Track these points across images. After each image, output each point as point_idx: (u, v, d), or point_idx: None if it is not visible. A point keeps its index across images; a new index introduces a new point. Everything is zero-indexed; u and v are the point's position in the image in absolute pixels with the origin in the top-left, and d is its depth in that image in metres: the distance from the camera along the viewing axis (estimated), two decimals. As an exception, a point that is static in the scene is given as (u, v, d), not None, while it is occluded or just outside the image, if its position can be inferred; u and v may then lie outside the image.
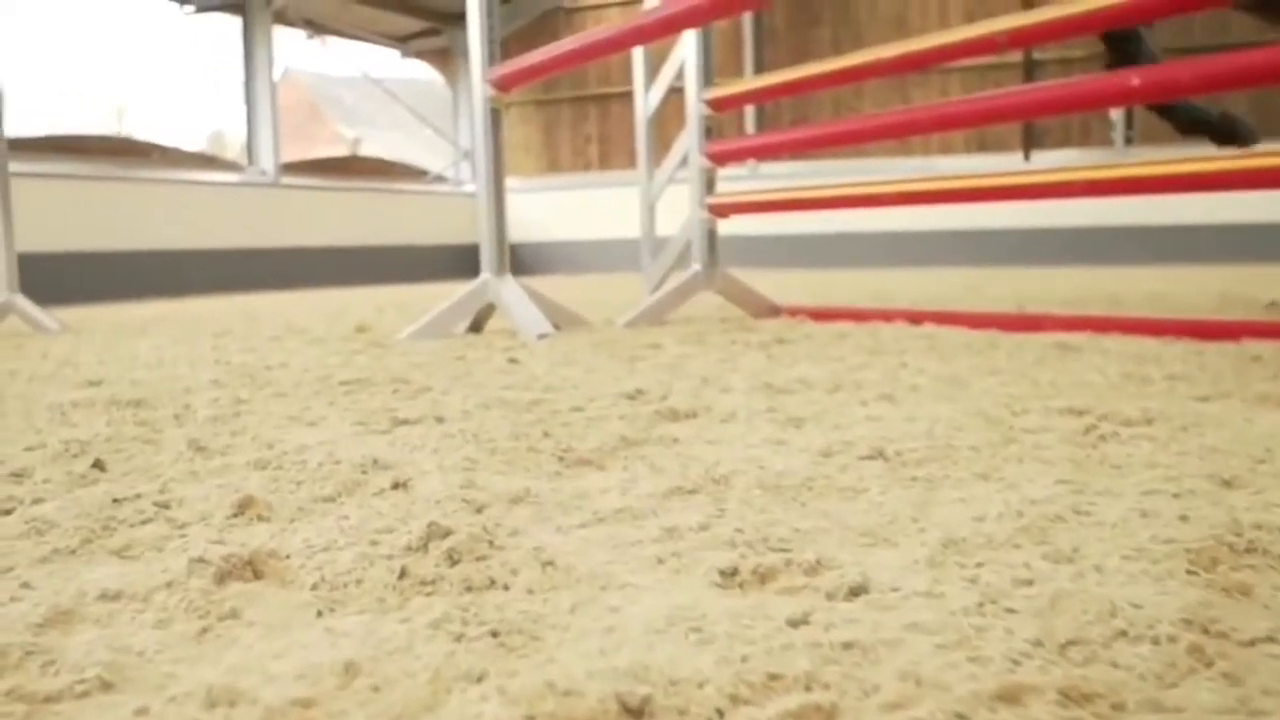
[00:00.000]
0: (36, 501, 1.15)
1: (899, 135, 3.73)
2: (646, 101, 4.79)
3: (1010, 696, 0.59)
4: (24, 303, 4.33)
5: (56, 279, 6.74)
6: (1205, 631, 0.68)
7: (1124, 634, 0.68)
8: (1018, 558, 0.86)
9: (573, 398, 1.85)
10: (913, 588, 0.79)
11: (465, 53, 3.74)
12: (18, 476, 1.30)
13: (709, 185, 3.78)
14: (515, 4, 10.99)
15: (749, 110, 10.01)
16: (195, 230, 8.72)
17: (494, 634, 0.71)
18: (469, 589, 0.83)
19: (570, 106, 11.55)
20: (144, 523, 1.06)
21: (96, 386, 2.22)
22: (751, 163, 9.59)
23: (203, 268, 8.66)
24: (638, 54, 4.83)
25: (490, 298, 3.33)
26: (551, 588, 0.82)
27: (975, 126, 7.67)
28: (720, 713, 0.59)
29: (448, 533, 0.93)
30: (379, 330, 3.60)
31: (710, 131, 3.78)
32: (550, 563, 0.87)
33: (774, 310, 3.62)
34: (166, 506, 1.11)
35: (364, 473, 1.24)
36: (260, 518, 1.07)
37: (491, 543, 0.92)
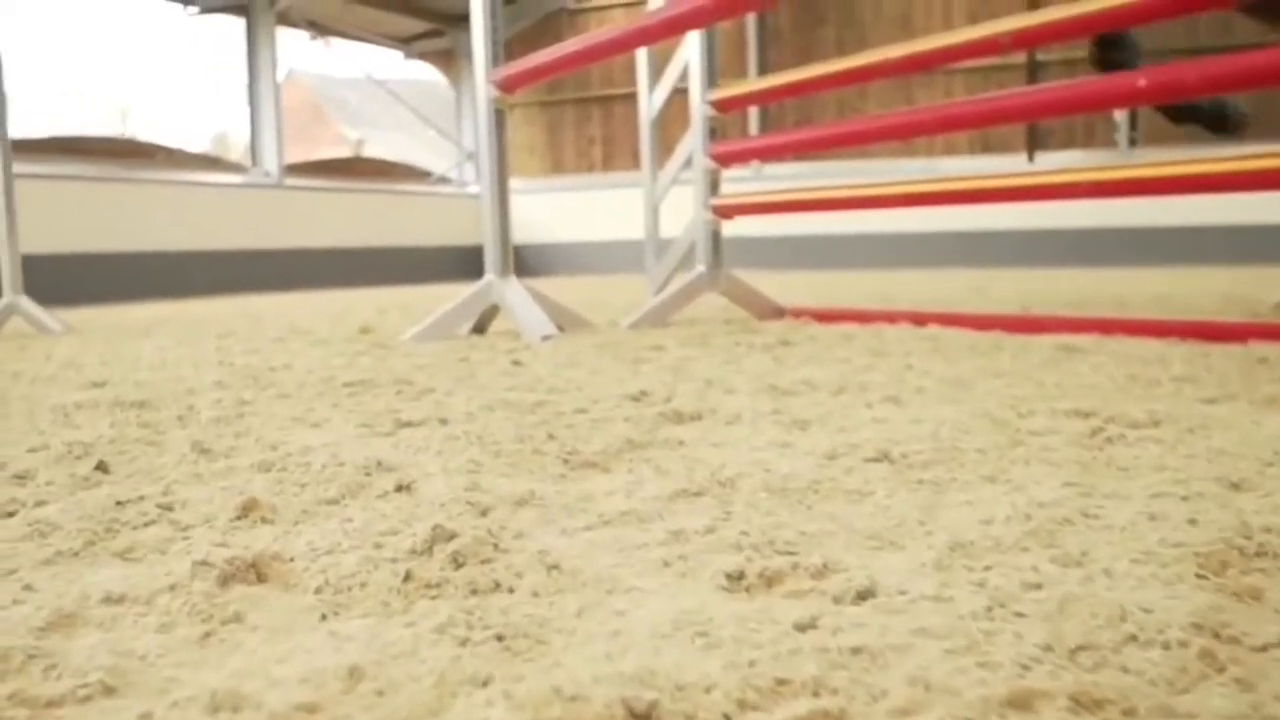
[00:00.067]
0: (39, 504, 1.15)
1: (903, 136, 3.72)
2: (650, 102, 4.78)
3: (1020, 702, 0.59)
4: (28, 304, 4.33)
5: (60, 280, 6.75)
6: (1216, 636, 0.68)
7: (1134, 639, 0.67)
8: (1026, 561, 0.85)
9: (577, 400, 1.84)
10: (920, 591, 0.78)
11: (469, 54, 3.74)
12: (21, 478, 1.30)
13: (713, 186, 3.77)
14: (519, 5, 10.99)
15: (753, 111, 10.01)
16: (199, 231, 8.73)
17: (499, 638, 0.71)
18: (474, 592, 0.82)
19: (574, 108, 11.55)
20: (147, 525, 1.05)
21: (100, 388, 2.22)
22: (755, 164, 9.59)
23: (206, 269, 8.67)
24: (641, 55, 4.83)
25: (494, 299, 3.33)
26: (557, 591, 0.82)
27: (979, 128, 7.67)
28: (727, 718, 0.59)
29: (452, 535, 0.93)
30: (383, 332, 3.59)
31: (714, 133, 3.78)
32: (555, 566, 0.86)
33: (778, 312, 3.61)
34: (170, 509, 1.11)
35: (368, 475, 1.24)
36: (264, 520, 1.06)
37: (496, 546, 0.92)
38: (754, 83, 4.90)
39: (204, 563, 0.87)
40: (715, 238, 3.72)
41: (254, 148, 9.74)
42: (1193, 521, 0.94)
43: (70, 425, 1.72)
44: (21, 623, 0.76)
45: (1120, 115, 8.95)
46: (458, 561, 0.88)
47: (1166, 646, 0.66)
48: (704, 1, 2.94)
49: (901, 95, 9.50)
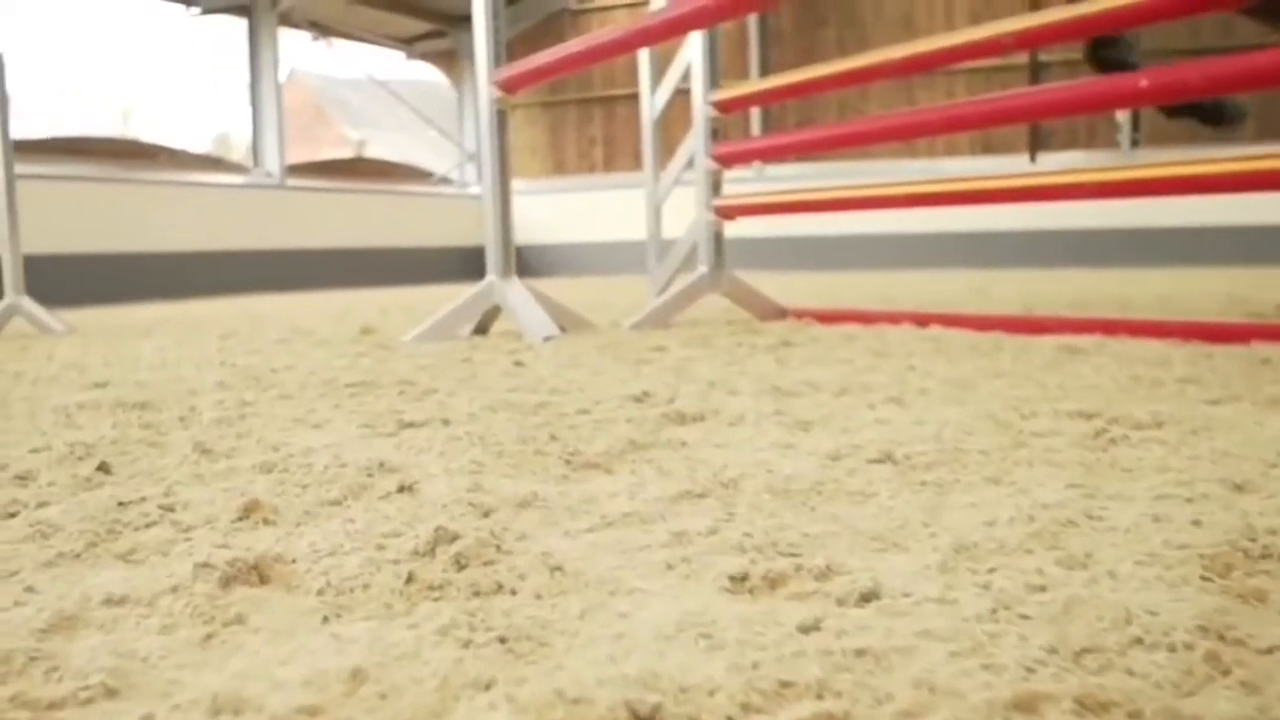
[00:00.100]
0: (41, 505, 1.15)
1: (905, 137, 3.72)
2: (652, 103, 4.78)
3: (1026, 705, 0.59)
4: (30, 304, 4.34)
5: (62, 281, 6.75)
6: (1222, 639, 0.68)
7: (1139, 641, 0.67)
8: (1030, 563, 0.85)
9: (579, 400, 1.84)
10: (924, 594, 0.78)
11: (471, 54, 3.73)
12: (22, 479, 1.30)
13: (715, 187, 3.77)
14: (521, 6, 10.99)
15: (754, 112, 10.01)
16: (200, 232, 8.74)
17: (502, 640, 0.71)
18: (476, 594, 0.82)
19: (576, 108, 11.55)
20: (149, 526, 1.05)
21: (102, 389, 2.21)
22: (756, 165, 9.59)
23: (208, 270, 8.67)
24: (643, 56, 4.82)
25: (496, 300, 3.32)
26: (560, 593, 0.82)
27: (981, 128, 7.66)
28: (731, 721, 0.59)
29: (455, 537, 0.92)
30: (384, 332, 3.59)
31: (716, 133, 3.77)
32: (558, 568, 0.86)
33: (780, 313, 3.61)
34: (171, 510, 1.11)
35: (370, 476, 1.24)
36: (266, 521, 1.06)
37: (499, 547, 0.92)
38: (756, 83, 4.90)
39: (206, 564, 0.87)
40: (717, 239, 3.72)
41: (256, 148, 9.74)
42: (1197, 523, 0.94)
43: (72, 426, 1.72)
44: (23, 624, 0.76)
45: (1122, 116, 8.94)
46: (460, 563, 0.88)
47: (1172, 649, 0.66)
48: (706, 2, 2.93)
49: (903, 96, 9.49)
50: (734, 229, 3.85)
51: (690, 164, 3.98)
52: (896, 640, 0.68)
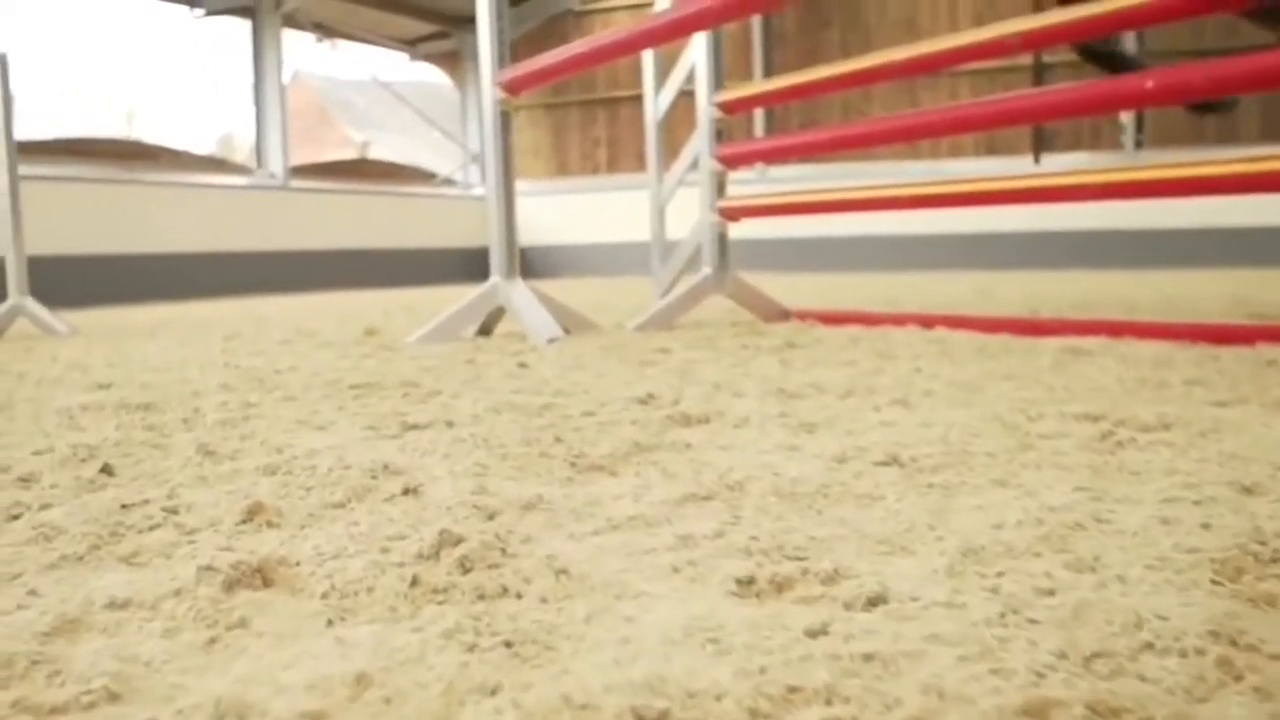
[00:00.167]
0: (44, 507, 1.15)
1: (908, 139, 3.71)
2: (656, 104, 4.78)
3: (1036, 711, 0.58)
4: (33, 306, 4.34)
5: (66, 282, 6.75)
6: (1234, 644, 0.67)
7: (1150, 646, 0.67)
8: (1038, 567, 0.84)
9: (584, 402, 1.84)
10: (932, 598, 0.77)
11: (474, 56, 3.73)
12: (25, 481, 1.29)
13: (719, 188, 3.77)
14: (524, 7, 11.00)
15: (758, 114, 10.00)
16: (204, 233, 8.74)
17: (507, 644, 0.70)
18: (481, 597, 0.82)
19: (579, 110, 11.55)
20: (152, 529, 1.05)
21: (105, 390, 2.21)
22: (760, 166, 9.58)
23: (211, 271, 8.67)
24: (647, 57, 4.83)
25: (500, 301, 3.32)
26: (565, 597, 0.81)
27: (985, 130, 7.65)
28: (739, 727, 0.58)
29: (459, 540, 0.92)
30: (388, 334, 3.59)
31: (720, 135, 3.77)
32: (564, 571, 0.86)
33: (784, 314, 3.60)
34: (175, 512, 1.10)
35: (374, 478, 1.23)
36: (270, 524, 1.06)
37: (504, 550, 0.91)
38: (760, 85, 4.89)
39: (209, 567, 0.86)
40: (722, 240, 3.72)
41: (259, 149, 9.74)
42: (1206, 526, 0.93)
43: (75, 427, 1.72)
44: (25, 628, 0.75)
45: (1126, 117, 8.93)
46: (465, 566, 0.88)
47: (1183, 654, 0.65)
48: (710, 3, 2.93)
49: (907, 97, 9.48)
50: (738, 230, 3.84)
51: (694, 165, 3.98)
52: (904, 645, 0.68)
